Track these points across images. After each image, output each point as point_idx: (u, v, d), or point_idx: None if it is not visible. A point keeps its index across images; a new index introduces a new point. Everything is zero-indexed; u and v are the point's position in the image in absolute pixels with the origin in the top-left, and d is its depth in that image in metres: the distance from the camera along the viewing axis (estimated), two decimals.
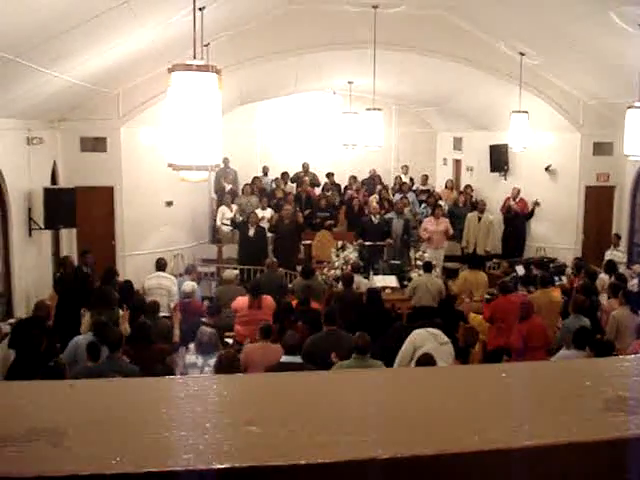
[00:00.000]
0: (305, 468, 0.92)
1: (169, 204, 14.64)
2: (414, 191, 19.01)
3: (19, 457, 0.93)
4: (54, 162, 12.95)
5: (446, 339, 7.95)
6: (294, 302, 10.02)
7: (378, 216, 14.76)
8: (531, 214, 16.19)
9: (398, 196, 17.70)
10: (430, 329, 7.95)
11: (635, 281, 11.19)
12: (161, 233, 14.49)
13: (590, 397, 1.14)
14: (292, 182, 19.09)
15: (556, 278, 11.85)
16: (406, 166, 20.41)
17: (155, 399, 1.15)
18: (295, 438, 0.99)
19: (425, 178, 20.06)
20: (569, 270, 13.19)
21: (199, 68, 5.69)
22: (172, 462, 0.93)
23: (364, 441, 0.97)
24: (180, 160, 5.76)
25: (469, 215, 15.79)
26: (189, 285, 10.76)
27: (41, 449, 0.96)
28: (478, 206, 16.04)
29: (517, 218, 16.06)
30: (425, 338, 7.78)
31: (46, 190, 11.84)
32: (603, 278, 11.20)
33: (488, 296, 10.84)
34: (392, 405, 1.12)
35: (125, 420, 1.06)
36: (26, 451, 0.95)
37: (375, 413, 1.08)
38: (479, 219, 15.55)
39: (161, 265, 11.32)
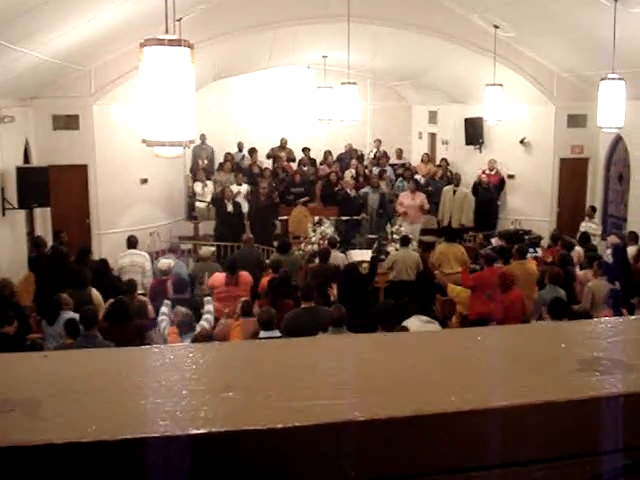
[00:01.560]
0: (282, 432, 0.92)
1: (144, 181, 14.54)
2: (391, 165, 19.01)
3: None
4: (26, 140, 12.78)
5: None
6: (267, 277, 9.99)
7: (354, 190, 14.76)
8: (501, 186, 16.26)
9: (376, 170, 17.67)
10: (422, 317, 8.02)
11: (609, 252, 11.30)
12: (136, 211, 14.39)
13: (565, 358, 1.15)
14: (268, 158, 19.00)
15: (531, 250, 11.92)
16: (379, 140, 20.37)
17: (130, 368, 1.15)
18: (272, 403, 0.99)
19: (400, 152, 20.07)
20: (545, 242, 13.30)
21: (171, 43, 5.61)
22: (148, 429, 0.92)
23: (340, 404, 0.97)
24: (154, 136, 5.70)
25: (444, 189, 15.83)
26: (165, 263, 10.71)
27: (15, 419, 0.95)
28: (453, 179, 16.08)
29: (488, 190, 16.10)
30: (417, 327, 7.81)
31: (19, 169, 11.70)
32: (578, 250, 11.30)
33: (474, 266, 10.97)
34: (368, 369, 1.12)
35: (100, 389, 1.05)
36: (0, 422, 0.94)
37: (351, 378, 1.08)
38: (454, 192, 15.59)
39: (132, 243, 11.25)
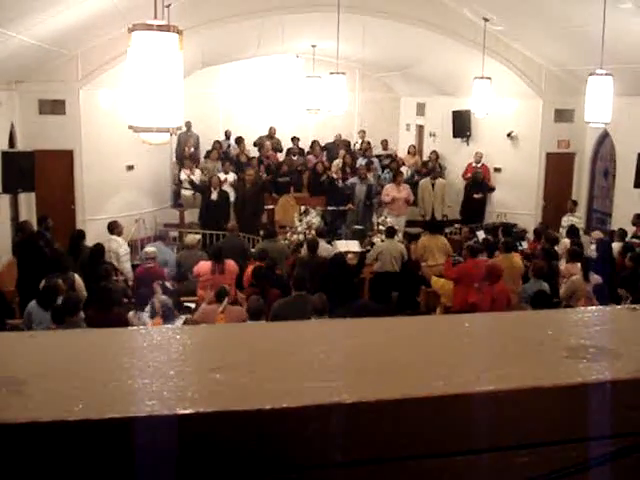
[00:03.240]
0: (270, 413, 0.92)
1: (130, 168, 14.45)
2: (377, 156, 18.98)
3: None
4: (12, 125, 12.67)
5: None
6: (252, 266, 9.96)
7: (341, 181, 14.75)
8: (490, 188, 16.32)
9: (363, 161, 17.65)
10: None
11: (593, 247, 11.35)
12: (122, 197, 14.33)
13: (553, 345, 1.15)
14: (255, 146, 18.93)
15: (517, 244, 11.95)
16: (363, 131, 20.34)
17: (117, 349, 1.14)
18: (260, 385, 0.98)
19: (385, 143, 20.05)
20: (530, 236, 13.34)
21: (160, 28, 5.57)
22: (135, 408, 0.92)
23: (329, 387, 0.97)
24: (141, 122, 5.65)
25: (422, 182, 15.69)
26: (150, 250, 10.65)
27: (2, 398, 0.94)
28: (430, 172, 16.01)
29: (482, 185, 16.11)
30: None
31: (4, 153, 11.60)
32: (565, 242, 11.31)
33: (458, 258, 10.99)
34: (357, 353, 1.12)
35: (87, 369, 1.04)
36: None
37: (340, 361, 1.08)
38: (433, 185, 15.51)
39: (110, 228, 11.18)
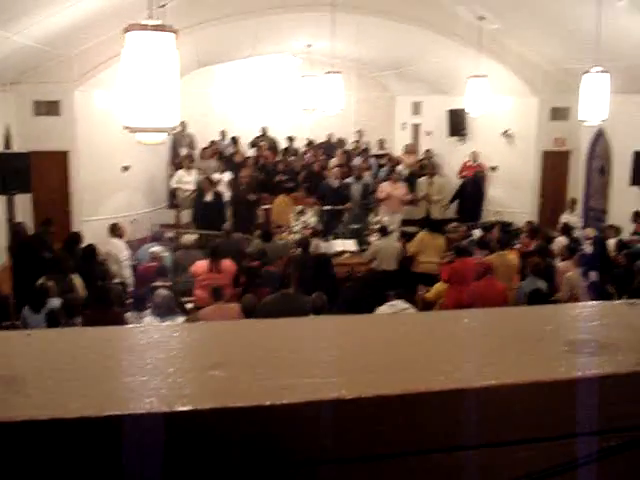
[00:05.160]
0: (270, 409, 0.91)
1: (126, 169, 14.44)
2: (374, 155, 18.99)
3: None
4: (7, 126, 12.65)
5: (402, 307, 7.98)
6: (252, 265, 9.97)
7: (337, 180, 14.75)
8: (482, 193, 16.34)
9: (359, 160, 17.64)
10: (391, 304, 7.99)
11: (588, 244, 11.36)
12: (118, 198, 14.31)
13: (552, 340, 1.15)
14: (252, 147, 18.89)
15: (512, 242, 11.96)
16: (360, 130, 20.36)
17: (115, 347, 1.14)
18: (259, 381, 0.98)
19: (381, 142, 20.07)
20: (524, 234, 13.36)
21: (155, 28, 5.56)
22: (134, 405, 0.91)
23: (329, 383, 0.97)
24: (136, 122, 5.64)
25: (419, 180, 15.69)
26: (156, 248, 10.60)
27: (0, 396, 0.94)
28: (427, 170, 15.99)
29: (478, 183, 16.12)
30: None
31: None
32: (560, 240, 11.34)
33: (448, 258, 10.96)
34: (357, 349, 1.11)
35: (84, 367, 1.04)
36: None
37: (340, 357, 1.08)
38: (430, 184, 15.50)
39: (112, 230, 11.16)
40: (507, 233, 12.54)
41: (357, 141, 19.80)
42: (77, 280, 8.84)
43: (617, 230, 11.89)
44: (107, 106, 13.25)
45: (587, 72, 10.56)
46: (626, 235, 11.89)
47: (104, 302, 7.88)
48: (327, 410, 0.92)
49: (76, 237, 10.81)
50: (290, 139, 19.27)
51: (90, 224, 13.33)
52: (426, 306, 10.54)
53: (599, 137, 15.08)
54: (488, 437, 0.98)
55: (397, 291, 8.23)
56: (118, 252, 10.80)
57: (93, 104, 13.63)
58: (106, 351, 1.10)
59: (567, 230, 11.95)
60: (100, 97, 13.54)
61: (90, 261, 9.70)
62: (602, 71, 10.42)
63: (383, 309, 7.94)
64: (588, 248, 10.93)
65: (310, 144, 19.48)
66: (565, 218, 13.60)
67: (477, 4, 13.02)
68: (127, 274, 10.82)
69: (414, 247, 11.66)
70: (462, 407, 0.96)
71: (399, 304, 7.99)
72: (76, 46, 12.65)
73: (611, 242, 11.18)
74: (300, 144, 19.59)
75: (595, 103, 10.57)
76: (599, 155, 15.40)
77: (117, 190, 14.30)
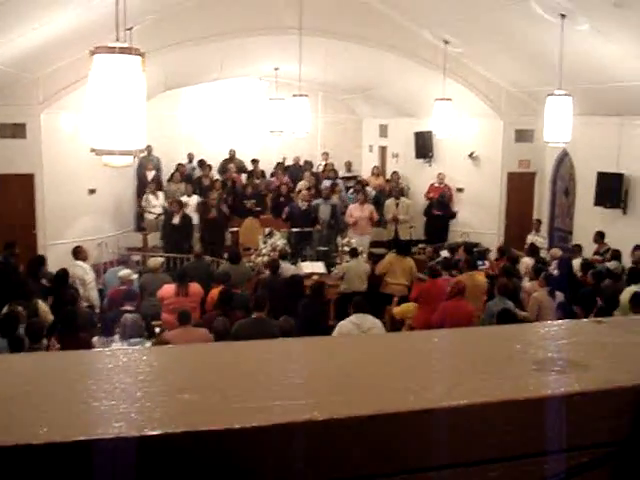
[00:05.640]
0: (240, 432, 0.90)
1: (92, 192, 14.33)
2: (342, 178, 19.06)
3: None
4: None
5: (370, 324, 7.96)
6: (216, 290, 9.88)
7: (305, 203, 14.77)
8: (452, 214, 16.45)
9: (327, 182, 17.70)
10: (354, 318, 7.97)
11: (554, 265, 11.49)
12: (84, 221, 14.18)
13: (521, 358, 1.16)
14: (221, 173, 18.77)
15: (479, 262, 12.06)
16: (326, 153, 20.44)
17: (82, 371, 1.12)
18: (229, 404, 0.97)
19: (349, 164, 20.18)
20: (492, 255, 13.49)
21: (122, 51, 5.57)
22: (102, 430, 0.90)
23: (299, 404, 0.96)
24: (103, 145, 5.63)
25: (387, 202, 15.82)
26: (126, 273, 10.49)
27: None
28: (393, 192, 16.09)
29: (443, 204, 16.23)
30: (349, 330, 7.81)
31: None
32: (526, 261, 11.47)
33: (422, 276, 11.04)
34: (327, 371, 1.11)
35: (51, 392, 1.02)
36: None
37: (310, 379, 1.07)
38: (397, 205, 15.61)
39: (75, 253, 11.03)
40: (473, 254, 12.62)
41: (326, 163, 19.85)
42: (41, 305, 8.73)
43: (579, 249, 12.09)
44: (73, 129, 13.16)
45: (551, 95, 10.74)
46: (587, 254, 12.06)
47: (71, 327, 7.79)
48: (299, 432, 0.92)
49: (40, 260, 10.69)
50: (254, 161, 19.26)
51: (56, 247, 13.18)
52: (393, 320, 10.59)
53: (563, 158, 15.31)
54: (459, 457, 0.98)
55: (360, 306, 8.18)
56: (83, 275, 10.69)
57: (59, 127, 13.53)
58: (73, 375, 1.09)
59: (533, 251, 12.08)
60: (66, 120, 13.45)
61: (62, 285, 9.58)
62: (565, 94, 10.61)
63: (344, 324, 7.94)
64: (554, 269, 11.05)
65: (279, 165, 19.52)
66: (531, 239, 13.76)
67: (442, 29, 13.19)
68: (94, 297, 10.72)
69: (382, 268, 11.72)
70: (432, 427, 0.96)
71: (367, 318, 7.97)
72: (42, 68, 12.57)
73: (575, 262, 11.32)
74: (268, 166, 19.60)
75: (559, 125, 10.75)
76: (563, 176, 15.62)
77: (83, 213, 14.17)
